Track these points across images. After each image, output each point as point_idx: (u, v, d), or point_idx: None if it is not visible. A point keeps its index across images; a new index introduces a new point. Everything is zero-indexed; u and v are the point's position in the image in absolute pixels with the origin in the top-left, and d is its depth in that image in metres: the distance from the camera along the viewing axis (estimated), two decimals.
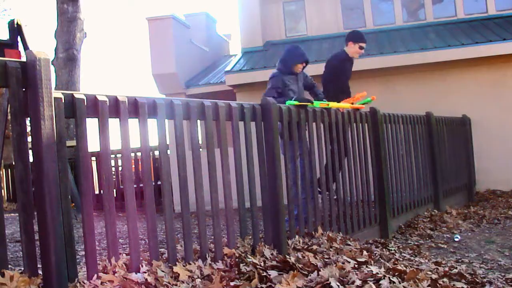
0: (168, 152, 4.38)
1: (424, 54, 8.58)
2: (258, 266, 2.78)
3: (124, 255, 2.58)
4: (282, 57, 5.00)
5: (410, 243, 4.93)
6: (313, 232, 3.88)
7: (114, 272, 2.31)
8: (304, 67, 5.05)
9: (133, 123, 2.58)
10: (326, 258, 3.16)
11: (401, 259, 3.73)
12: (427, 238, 5.20)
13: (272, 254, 3.10)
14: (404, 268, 2.98)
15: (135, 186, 2.67)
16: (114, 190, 4.49)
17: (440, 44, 8.77)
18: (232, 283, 2.53)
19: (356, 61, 6.15)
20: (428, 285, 2.75)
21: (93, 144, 2.63)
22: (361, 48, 5.49)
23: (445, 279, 2.95)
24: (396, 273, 2.86)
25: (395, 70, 8.67)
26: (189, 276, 2.54)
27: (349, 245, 3.80)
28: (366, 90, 5.84)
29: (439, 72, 8.77)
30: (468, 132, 8.39)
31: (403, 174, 5.83)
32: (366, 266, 3.02)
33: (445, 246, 4.85)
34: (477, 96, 8.64)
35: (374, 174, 5.18)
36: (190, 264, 2.69)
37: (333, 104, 4.59)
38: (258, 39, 10.53)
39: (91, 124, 2.39)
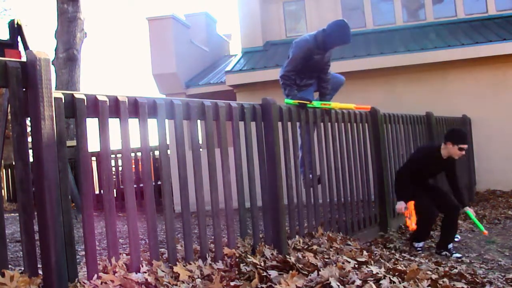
0: (168, 152, 4.37)
1: (424, 54, 8.58)
2: (258, 266, 2.78)
3: (124, 255, 2.58)
4: (328, 31, 4.41)
5: None
6: (313, 232, 3.88)
7: (114, 272, 2.31)
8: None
9: (133, 123, 2.58)
10: (326, 258, 3.16)
11: (401, 259, 3.73)
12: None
13: (272, 254, 3.10)
14: (404, 268, 2.98)
15: (135, 186, 2.67)
16: (114, 190, 4.48)
17: (440, 44, 8.77)
18: (232, 283, 2.53)
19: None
20: (428, 285, 2.75)
21: (93, 144, 2.63)
22: (460, 149, 4.63)
23: (445, 279, 2.95)
24: (396, 273, 2.86)
25: (395, 70, 8.67)
26: (189, 276, 2.54)
27: (349, 245, 3.80)
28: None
29: (439, 72, 8.78)
30: (468, 132, 8.38)
31: None
32: (366, 266, 3.02)
33: None
34: (477, 96, 8.64)
35: (374, 174, 5.18)
36: (190, 264, 2.69)
37: (336, 105, 4.44)
38: (258, 39, 10.53)
39: (91, 124, 2.40)
